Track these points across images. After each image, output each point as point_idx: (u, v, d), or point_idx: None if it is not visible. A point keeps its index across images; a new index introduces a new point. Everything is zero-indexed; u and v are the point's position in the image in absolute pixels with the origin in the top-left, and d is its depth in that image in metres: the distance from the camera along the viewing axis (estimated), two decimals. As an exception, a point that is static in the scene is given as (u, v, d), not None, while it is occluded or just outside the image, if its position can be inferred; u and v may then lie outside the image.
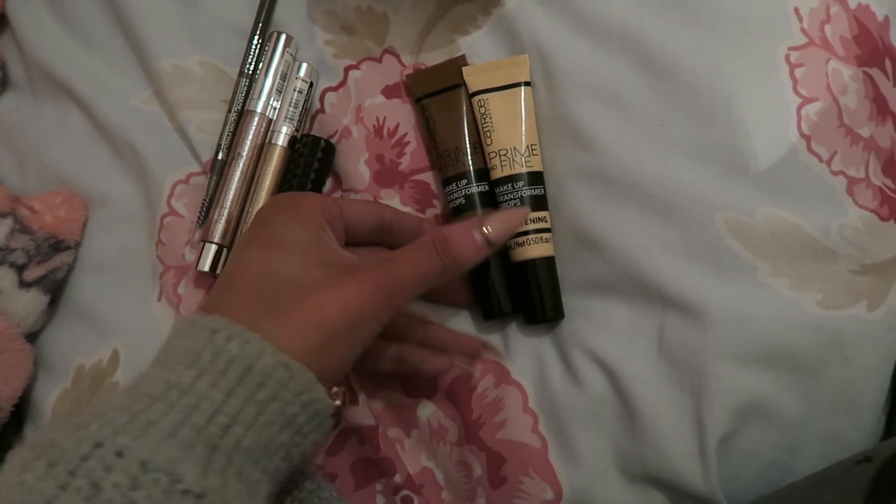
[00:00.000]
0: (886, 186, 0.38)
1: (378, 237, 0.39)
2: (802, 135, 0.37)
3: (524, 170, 0.40)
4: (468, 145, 0.41)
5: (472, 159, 0.41)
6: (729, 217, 0.37)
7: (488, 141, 0.40)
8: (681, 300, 0.37)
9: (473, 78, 0.41)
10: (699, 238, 0.37)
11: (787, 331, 0.36)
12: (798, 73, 0.38)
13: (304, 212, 0.34)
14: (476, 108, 0.41)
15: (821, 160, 0.37)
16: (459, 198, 0.40)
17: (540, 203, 0.40)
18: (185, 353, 0.27)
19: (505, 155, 0.40)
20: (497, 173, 0.40)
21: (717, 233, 0.37)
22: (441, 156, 0.41)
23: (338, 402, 0.30)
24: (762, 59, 0.38)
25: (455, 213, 0.41)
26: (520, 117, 0.41)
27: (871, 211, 0.37)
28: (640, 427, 0.37)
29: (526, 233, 0.39)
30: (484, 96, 0.41)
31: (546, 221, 0.40)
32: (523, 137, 0.40)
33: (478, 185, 0.40)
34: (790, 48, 0.38)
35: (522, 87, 0.41)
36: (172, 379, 0.26)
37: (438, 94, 0.42)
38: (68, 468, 0.23)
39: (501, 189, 0.40)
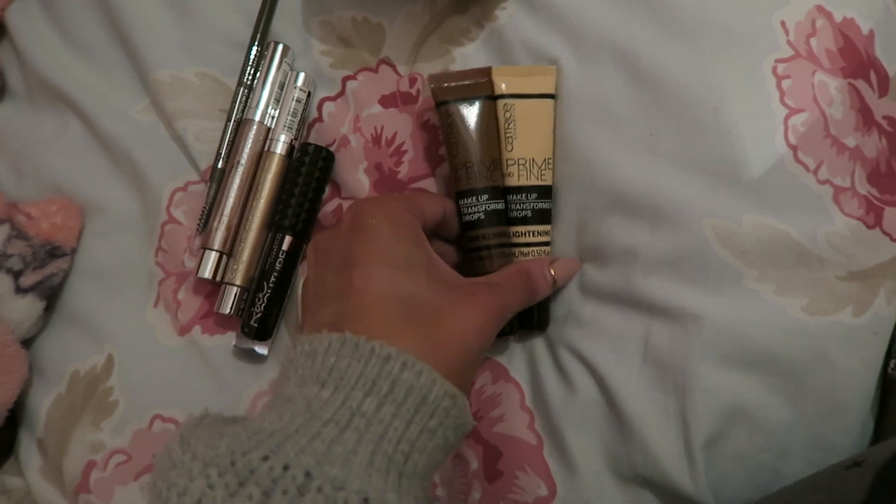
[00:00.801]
0: (872, 195, 0.38)
1: (438, 230, 0.40)
2: (789, 145, 0.38)
3: (538, 182, 0.40)
4: (492, 160, 0.40)
5: (494, 176, 0.40)
6: (716, 224, 0.38)
7: (508, 147, 0.40)
8: (667, 305, 0.38)
9: (502, 80, 0.41)
10: (686, 245, 0.38)
11: (772, 335, 0.37)
12: (785, 84, 0.39)
13: (410, 226, 0.34)
14: (500, 111, 0.41)
15: (808, 169, 0.38)
16: (479, 213, 0.39)
17: (546, 217, 0.41)
18: (358, 378, 0.27)
19: (523, 165, 0.40)
20: (512, 181, 0.40)
21: (705, 240, 0.38)
22: (460, 166, 0.40)
23: (474, 423, 0.31)
24: (749, 71, 0.39)
25: (468, 227, 0.40)
26: (542, 129, 0.41)
27: (858, 219, 0.38)
28: (628, 429, 0.38)
29: (529, 244, 0.40)
30: (511, 101, 0.41)
31: (548, 235, 0.41)
32: (543, 149, 0.41)
33: (499, 203, 0.40)
34: (777, 60, 0.39)
35: (550, 100, 0.41)
36: (354, 406, 0.27)
37: (467, 102, 0.40)
38: (264, 489, 0.23)
39: (513, 198, 0.40)
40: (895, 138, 0.40)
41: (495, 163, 0.40)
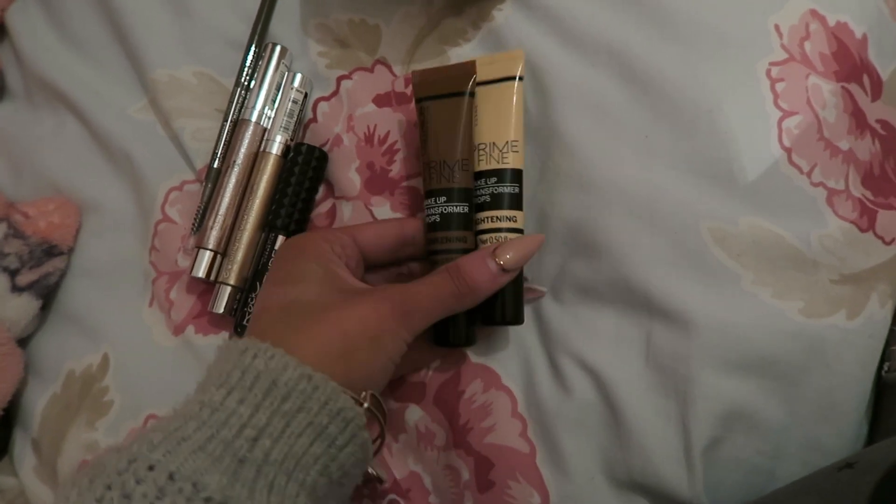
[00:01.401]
0: (866, 198, 0.39)
1: (400, 253, 0.40)
2: (783, 147, 0.38)
3: (498, 166, 0.39)
4: (457, 161, 0.39)
5: (458, 176, 0.38)
6: (713, 226, 0.38)
7: (475, 136, 0.40)
8: (667, 308, 0.38)
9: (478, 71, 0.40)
10: (684, 246, 0.38)
11: (771, 338, 0.37)
12: (779, 87, 0.39)
13: (315, 250, 0.36)
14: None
15: (801, 172, 0.38)
16: (435, 216, 0.38)
17: (513, 202, 0.39)
18: (218, 374, 0.29)
19: (483, 150, 0.39)
20: (477, 168, 0.39)
21: (702, 241, 0.38)
22: (427, 165, 0.39)
23: (365, 405, 0.31)
24: (743, 74, 0.39)
25: (430, 228, 0.39)
26: (504, 112, 0.39)
27: (851, 222, 0.38)
28: (626, 433, 0.37)
29: (489, 231, 0.39)
30: (476, 89, 0.40)
31: (517, 221, 0.39)
32: (504, 133, 0.39)
33: (458, 206, 0.38)
34: (771, 63, 0.39)
35: (515, 82, 0.40)
36: (205, 399, 0.28)
37: (440, 99, 0.39)
38: (106, 482, 0.25)
39: (476, 184, 0.39)
40: (888, 142, 0.40)
41: (462, 163, 0.39)
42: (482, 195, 0.39)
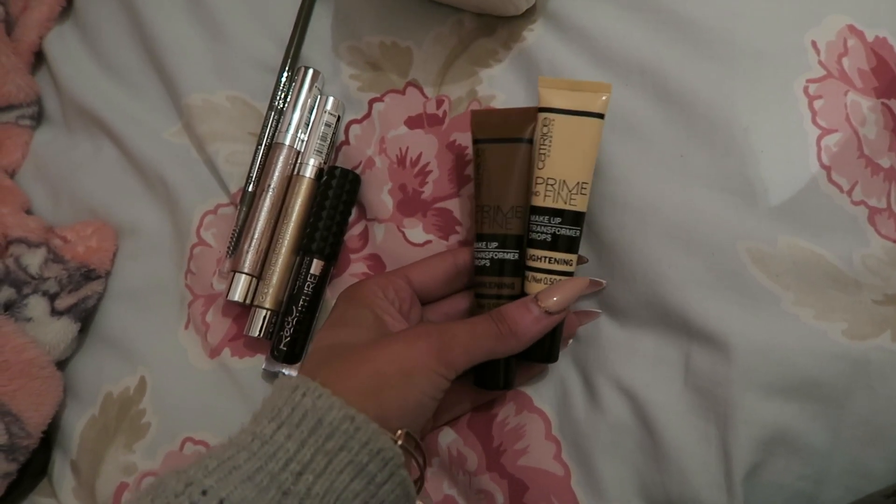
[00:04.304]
0: (908, 216, 0.38)
1: (456, 284, 0.41)
2: (822, 165, 0.38)
3: (565, 206, 0.37)
4: (511, 208, 0.37)
5: (511, 223, 0.38)
6: (750, 246, 0.37)
7: (539, 164, 0.38)
8: (706, 329, 0.37)
9: (549, 91, 0.38)
10: (722, 267, 0.37)
11: (813, 360, 0.36)
12: (817, 104, 0.38)
13: (366, 296, 0.38)
14: (538, 126, 0.38)
15: (841, 190, 0.37)
16: (485, 260, 0.38)
17: (572, 245, 0.38)
18: (271, 408, 0.31)
19: (552, 185, 0.37)
20: (538, 201, 0.38)
21: (740, 262, 0.37)
22: (480, 208, 0.38)
23: (399, 443, 0.32)
24: (780, 92, 0.39)
25: (478, 272, 0.38)
26: (582, 151, 0.37)
27: (894, 241, 0.37)
28: (665, 456, 0.37)
29: (544, 271, 0.37)
30: (552, 115, 0.38)
31: (571, 265, 0.38)
32: (577, 172, 0.37)
33: (508, 252, 0.38)
34: (808, 80, 0.38)
35: (599, 121, 0.37)
36: (258, 431, 0.30)
37: (498, 143, 0.38)
38: (165, 502, 0.27)
39: (536, 219, 0.38)
40: (931, 158, 0.39)
41: (516, 210, 0.38)
42: (542, 233, 0.38)
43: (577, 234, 0.38)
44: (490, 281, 0.38)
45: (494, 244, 0.38)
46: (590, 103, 0.37)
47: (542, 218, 0.38)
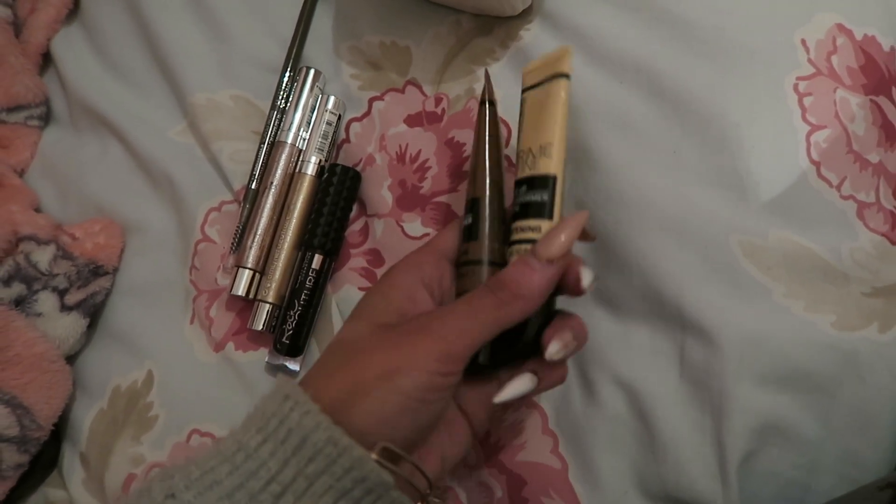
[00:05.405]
0: (897, 210, 0.39)
1: None
2: (812, 161, 0.38)
3: (529, 172, 0.35)
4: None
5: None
6: (742, 240, 0.38)
7: (517, 143, 0.37)
8: (699, 322, 0.38)
9: (525, 76, 0.37)
10: (715, 260, 0.38)
11: (804, 352, 0.37)
12: (806, 101, 0.39)
13: (393, 280, 0.35)
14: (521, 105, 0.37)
15: (830, 185, 0.38)
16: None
17: (541, 210, 0.34)
18: (261, 415, 0.29)
19: (523, 157, 0.36)
20: (516, 177, 0.36)
21: (733, 255, 0.38)
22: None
23: (373, 457, 0.28)
24: (771, 89, 0.39)
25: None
26: (547, 113, 0.35)
27: (882, 234, 0.38)
28: (661, 447, 0.37)
29: (524, 241, 0.34)
30: (525, 94, 0.37)
31: (538, 232, 0.33)
32: (540, 135, 0.35)
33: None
34: (798, 78, 0.39)
35: (562, 80, 0.34)
36: (243, 441, 0.28)
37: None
38: None
39: (515, 193, 0.36)
40: (920, 153, 0.40)
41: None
42: (515, 205, 0.35)
43: (544, 197, 0.34)
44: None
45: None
46: (552, 67, 0.35)
47: (516, 191, 0.36)
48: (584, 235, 0.35)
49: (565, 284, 0.32)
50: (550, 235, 0.32)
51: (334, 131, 0.47)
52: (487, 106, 0.38)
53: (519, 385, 0.33)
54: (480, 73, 0.45)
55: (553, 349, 0.32)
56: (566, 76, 0.34)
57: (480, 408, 0.35)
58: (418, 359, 0.30)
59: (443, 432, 0.33)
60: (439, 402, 0.31)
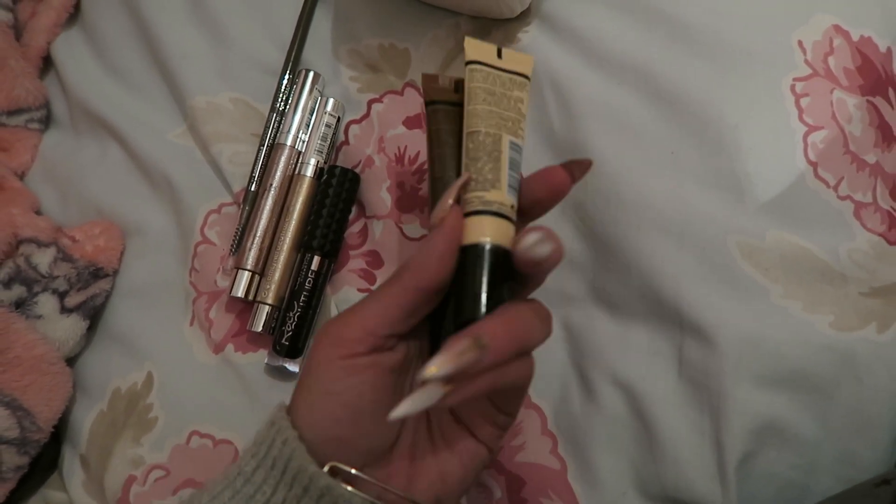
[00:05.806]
0: (894, 210, 0.39)
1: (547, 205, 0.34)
2: (809, 161, 0.38)
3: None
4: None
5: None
6: (740, 240, 0.38)
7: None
8: (697, 322, 0.38)
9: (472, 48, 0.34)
10: (713, 260, 0.38)
11: (802, 352, 0.37)
12: (803, 102, 0.39)
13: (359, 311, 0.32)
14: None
15: (828, 186, 0.38)
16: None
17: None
18: (257, 441, 0.30)
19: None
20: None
21: (730, 256, 0.38)
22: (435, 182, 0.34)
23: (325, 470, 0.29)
24: (768, 90, 0.39)
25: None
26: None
27: (879, 235, 0.38)
28: (660, 448, 0.38)
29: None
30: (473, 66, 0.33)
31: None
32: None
33: None
34: (795, 79, 0.39)
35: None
36: (242, 466, 0.30)
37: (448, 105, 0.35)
38: None
39: None
40: (916, 154, 0.40)
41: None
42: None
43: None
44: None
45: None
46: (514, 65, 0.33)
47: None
48: (574, 166, 0.32)
49: (519, 259, 0.28)
50: (440, 201, 0.30)
51: (333, 133, 0.47)
52: (426, 106, 0.35)
53: (419, 399, 0.27)
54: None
55: (532, 238, 0.28)
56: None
57: (482, 420, 0.32)
58: (324, 351, 0.29)
59: (440, 449, 0.32)
60: (368, 395, 0.29)
